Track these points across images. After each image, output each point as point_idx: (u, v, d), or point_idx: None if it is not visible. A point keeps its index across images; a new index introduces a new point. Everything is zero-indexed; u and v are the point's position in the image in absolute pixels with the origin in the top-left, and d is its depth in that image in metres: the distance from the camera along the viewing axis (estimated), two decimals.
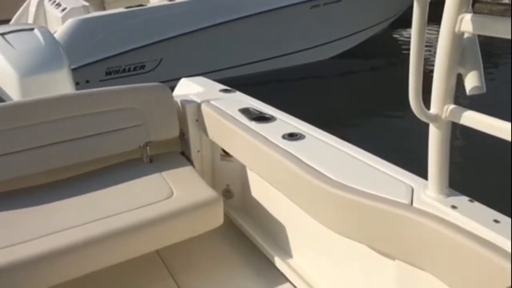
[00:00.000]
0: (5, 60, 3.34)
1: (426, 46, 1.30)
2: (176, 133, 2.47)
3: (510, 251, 1.21)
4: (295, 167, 1.80)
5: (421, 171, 1.65)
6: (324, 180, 1.68)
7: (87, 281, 2.11)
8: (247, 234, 2.39)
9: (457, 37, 1.24)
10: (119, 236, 1.88)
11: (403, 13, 9.03)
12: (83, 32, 6.22)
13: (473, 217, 1.35)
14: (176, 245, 2.12)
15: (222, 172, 2.58)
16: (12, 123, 2.10)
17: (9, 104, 2.12)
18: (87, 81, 6.23)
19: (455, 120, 1.31)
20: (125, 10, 6.50)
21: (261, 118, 2.25)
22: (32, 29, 3.72)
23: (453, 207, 1.41)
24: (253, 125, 2.17)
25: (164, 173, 2.27)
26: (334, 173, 1.72)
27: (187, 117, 2.49)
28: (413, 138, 3.87)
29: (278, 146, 1.96)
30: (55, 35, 5.18)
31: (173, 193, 2.11)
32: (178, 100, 2.53)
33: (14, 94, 3.31)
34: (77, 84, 4.52)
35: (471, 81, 1.27)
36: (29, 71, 3.32)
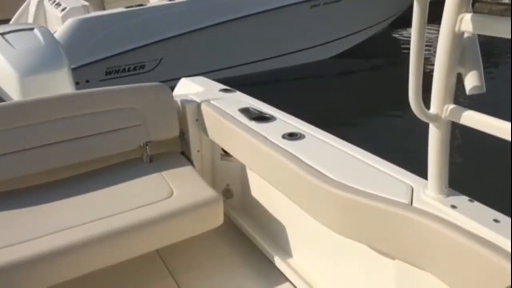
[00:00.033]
0: (5, 60, 3.34)
1: (426, 45, 1.30)
2: (176, 133, 2.47)
3: (510, 250, 1.21)
4: (295, 167, 1.80)
5: (421, 171, 1.65)
6: (324, 180, 1.68)
7: (87, 281, 2.11)
8: (247, 233, 2.39)
9: (457, 37, 1.24)
10: (119, 236, 1.88)
11: (403, 12, 9.03)
12: (83, 32, 6.22)
13: (473, 217, 1.35)
14: (176, 244, 2.12)
15: (222, 172, 2.58)
16: (12, 123, 2.10)
17: (9, 104, 2.12)
18: (87, 81, 6.23)
19: (455, 120, 1.31)
20: (125, 10, 6.50)
21: (261, 118, 2.25)
22: (32, 29, 3.72)
23: (453, 206, 1.41)
24: (253, 125, 2.18)
25: (164, 173, 2.27)
26: (334, 173, 1.72)
27: (187, 116, 2.49)
28: (413, 138, 3.87)
29: (278, 146, 1.96)
30: (55, 35, 5.18)
31: (173, 193, 2.11)
32: (178, 99, 2.53)
33: (14, 94, 3.31)
34: (77, 84, 4.52)
35: (471, 81, 1.27)
36: (29, 71, 3.32)
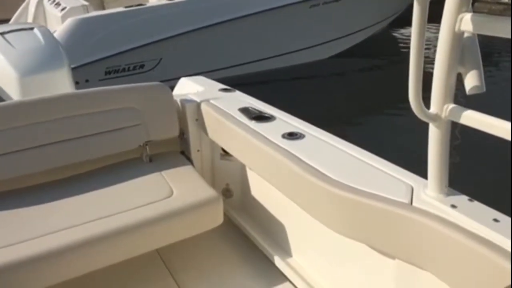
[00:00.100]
0: (5, 60, 3.34)
1: (426, 45, 1.30)
2: (175, 132, 2.47)
3: (510, 250, 1.21)
4: (294, 166, 1.80)
5: (421, 171, 1.65)
6: (324, 180, 1.68)
7: (87, 280, 2.11)
8: (246, 233, 2.39)
9: (457, 37, 1.24)
10: (118, 235, 1.88)
11: (402, 12, 9.03)
12: (82, 32, 6.22)
13: (473, 216, 1.35)
14: (176, 244, 2.12)
15: (222, 172, 2.58)
16: (12, 123, 2.10)
17: (9, 104, 2.12)
18: (87, 81, 6.23)
19: (455, 120, 1.31)
20: (124, 9, 6.50)
21: (261, 117, 2.25)
22: (31, 29, 3.71)
23: (453, 206, 1.41)
24: (253, 124, 2.18)
25: (163, 173, 2.27)
26: (334, 173, 1.72)
27: (186, 116, 2.49)
28: (413, 138, 3.87)
29: (277, 145, 1.96)
30: (55, 35, 5.17)
31: (173, 193, 2.11)
32: (177, 99, 2.53)
33: (14, 94, 3.31)
34: (76, 84, 4.52)
35: (471, 80, 1.27)
36: (29, 70, 3.32)
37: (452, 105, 1.33)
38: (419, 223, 1.39)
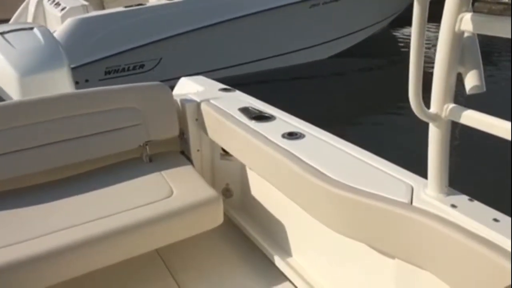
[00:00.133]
0: (4, 60, 3.34)
1: (426, 45, 1.30)
2: (175, 132, 2.47)
3: (510, 250, 1.21)
4: (294, 166, 1.80)
5: (421, 170, 1.65)
6: (324, 179, 1.68)
7: (86, 280, 2.11)
8: (246, 233, 2.39)
9: (457, 36, 1.24)
10: (118, 235, 1.88)
11: (402, 12, 9.03)
12: (82, 32, 6.22)
13: (473, 216, 1.35)
14: (176, 244, 2.12)
15: (222, 171, 2.58)
16: (12, 123, 2.10)
17: (9, 104, 2.12)
18: (87, 80, 6.23)
19: (455, 119, 1.31)
20: (124, 9, 6.50)
21: (261, 117, 2.24)
22: (31, 28, 3.71)
23: (453, 206, 1.41)
24: (253, 124, 2.17)
25: (163, 172, 2.27)
26: (334, 172, 1.72)
27: (186, 116, 2.49)
28: (413, 137, 3.87)
29: (277, 145, 1.96)
30: (55, 35, 5.17)
31: (173, 192, 2.11)
32: (177, 99, 2.53)
33: (14, 94, 3.31)
34: (76, 84, 4.52)
35: (471, 80, 1.27)
36: (29, 70, 3.32)
37: (452, 105, 1.33)
38: (419, 222, 1.39)
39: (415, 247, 1.42)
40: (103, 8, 7.88)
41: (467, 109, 1.28)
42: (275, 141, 2.00)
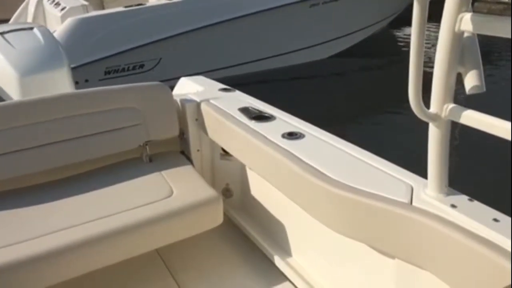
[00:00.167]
0: (4, 60, 3.34)
1: (426, 45, 1.30)
2: (175, 132, 2.47)
3: (510, 250, 1.21)
4: (294, 166, 1.80)
5: (421, 170, 1.65)
6: (324, 179, 1.68)
7: (86, 280, 2.11)
8: (246, 233, 2.39)
9: (457, 36, 1.24)
10: (118, 235, 1.88)
11: (402, 11, 9.03)
12: (82, 31, 6.22)
13: (472, 216, 1.35)
14: (176, 244, 2.12)
15: (222, 171, 2.58)
16: (12, 123, 2.10)
17: (9, 104, 2.12)
18: (86, 80, 6.23)
19: (455, 119, 1.31)
20: (124, 9, 6.50)
21: (261, 117, 2.25)
22: (31, 28, 3.71)
23: (453, 206, 1.41)
24: (253, 124, 2.18)
25: (163, 172, 2.27)
26: (334, 172, 1.72)
27: (186, 116, 2.49)
28: (413, 137, 3.87)
29: (277, 145, 1.96)
30: (55, 35, 5.17)
31: (173, 192, 2.11)
32: (177, 99, 2.53)
33: (14, 94, 3.31)
34: (76, 84, 4.52)
35: (471, 80, 1.27)
36: (29, 70, 3.32)
37: (452, 105, 1.33)
38: (419, 222, 1.39)
39: (415, 247, 1.42)
40: (103, 8, 7.88)
41: (467, 109, 1.28)
42: (275, 141, 2.00)
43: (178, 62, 6.83)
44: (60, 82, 3.44)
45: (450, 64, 1.27)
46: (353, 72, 8.02)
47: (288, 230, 2.18)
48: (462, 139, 4.89)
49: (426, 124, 1.40)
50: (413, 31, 1.25)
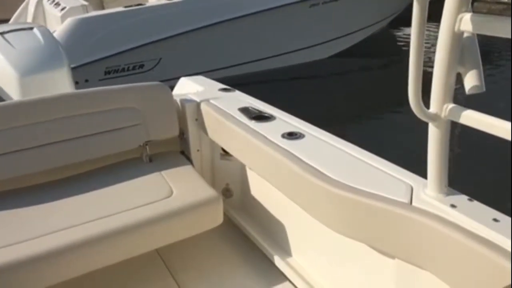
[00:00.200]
0: (4, 60, 3.34)
1: (426, 45, 1.30)
2: (175, 132, 2.47)
3: (509, 250, 1.21)
4: (294, 166, 1.80)
5: (421, 170, 1.65)
6: (324, 179, 1.68)
7: (86, 280, 2.11)
8: (246, 233, 2.39)
9: (457, 36, 1.24)
10: (118, 235, 1.88)
11: (402, 11, 9.03)
12: (82, 31, 6.22)
13: (472, 216, 1.35)
14: (176, 244, 2.12)
15: (222, 171, 2.58)
16: (12, 123, 2.10)
17: (8, 104, 2.12)
18: (86, 80, 6.23)
19: (455, 119, 1.32)
20: (124, 9, 6.50)
21: (261, 117, 2.25)
22: (31, 28, 3.71)
23: (453, 206, 1.41)
24: (253, 124, 2.18)
25: (163, 172, 2.27)
26: (334, 172, 1.72)
27: (186, 116, 2.49)
28: (412, 137, 3.87)
29: (277, 145, 1.96)
30: (55, 35, 5.17)
31: (173, 192, 2.11)
32: (177, 99, 2.53)
33: (14, 94, 3.31)
34: (76, 84, 4.51)
35: (471, 80, 1.27)
36: (29, 70, 3.32)
37: (451, 105, 1.33)
38: (418, 222, 1.39)
39: (415, 247, 1.42)
40: (103, 8, 7.88)
41: (467, 109, 1.29)
42: (275, 141, 2.00)
43: (178, 62, 6.83)
44: (60, 82, 3.44)
45: (449, 64, 1.27)
46: (353, 72, 8.02)
47: (288, 230, 2.18)
48: (462, 139, 4.89)
49: (426, 124, 1.40)
50: (413, 31, 1.25)
